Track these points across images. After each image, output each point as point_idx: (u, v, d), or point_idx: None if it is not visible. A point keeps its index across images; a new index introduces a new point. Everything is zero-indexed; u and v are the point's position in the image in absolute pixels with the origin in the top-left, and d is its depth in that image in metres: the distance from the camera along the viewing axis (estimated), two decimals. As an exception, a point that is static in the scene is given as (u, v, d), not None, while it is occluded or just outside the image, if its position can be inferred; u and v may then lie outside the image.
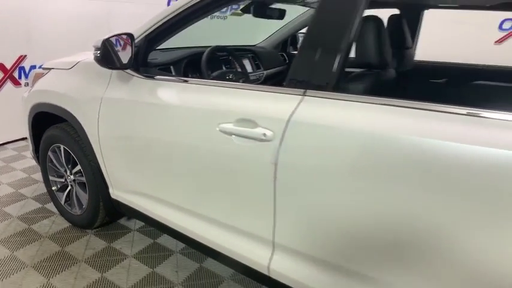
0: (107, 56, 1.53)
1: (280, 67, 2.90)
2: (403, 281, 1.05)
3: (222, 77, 2.08)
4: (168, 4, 4.63)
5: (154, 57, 1.91)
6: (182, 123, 1.46)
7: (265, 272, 1.35)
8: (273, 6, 2.14)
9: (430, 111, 0.97)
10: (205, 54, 2.01)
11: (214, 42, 2.30)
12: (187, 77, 2.04)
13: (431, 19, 2.32)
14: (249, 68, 2.59)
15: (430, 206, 0.94)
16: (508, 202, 0.84)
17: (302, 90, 1.18)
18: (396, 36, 1.87)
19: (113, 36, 1.53)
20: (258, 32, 3.13)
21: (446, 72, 2.22)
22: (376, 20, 1.39)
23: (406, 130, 0.97)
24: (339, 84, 1.15)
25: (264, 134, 1.19)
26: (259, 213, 1.30)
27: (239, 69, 2.39)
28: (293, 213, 1.22)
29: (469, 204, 0.89)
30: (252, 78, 2.55)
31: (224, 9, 4.98)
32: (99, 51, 1.51)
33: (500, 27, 5.01)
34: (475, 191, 0.87)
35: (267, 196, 1.23)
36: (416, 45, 2.31)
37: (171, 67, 1.98)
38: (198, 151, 1.42)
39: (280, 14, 2.11)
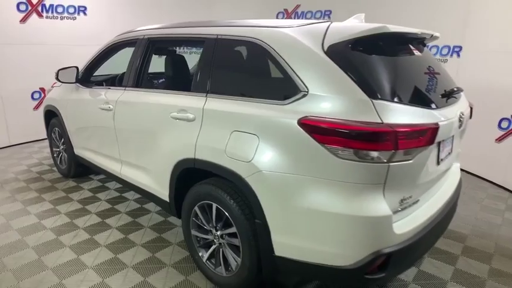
0: (58, 77, 3.19)
1: None
2: (149, 163, 2.46)
3: None
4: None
5: (97, 79, 3.54)
6: (95, 107, 3.04)
7: (119, 176, 2.82)
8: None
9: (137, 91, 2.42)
10: (119, 75, 3.60)
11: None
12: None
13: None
14: None
15: (155, 127, 2.35)
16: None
17: (124, 87, 2.69)
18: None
19: (66, 68, 3.18)
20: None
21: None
22: (177, 56, 2.90)
23: (136, 97, 2.43)
24: (139, 84, 2.63)
25: (109, 107, 2.71)
26: (113, 146, 2.79)
27: None
28: (123, 144, 2.70)
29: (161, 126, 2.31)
30: None
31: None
32: (56, 74, 3.19)
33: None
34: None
35: (114, 137, 2.74)
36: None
37: (104, 83, 3.60)
38: (97, 121, 2.97)
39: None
